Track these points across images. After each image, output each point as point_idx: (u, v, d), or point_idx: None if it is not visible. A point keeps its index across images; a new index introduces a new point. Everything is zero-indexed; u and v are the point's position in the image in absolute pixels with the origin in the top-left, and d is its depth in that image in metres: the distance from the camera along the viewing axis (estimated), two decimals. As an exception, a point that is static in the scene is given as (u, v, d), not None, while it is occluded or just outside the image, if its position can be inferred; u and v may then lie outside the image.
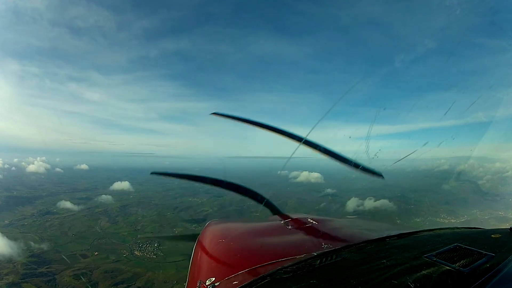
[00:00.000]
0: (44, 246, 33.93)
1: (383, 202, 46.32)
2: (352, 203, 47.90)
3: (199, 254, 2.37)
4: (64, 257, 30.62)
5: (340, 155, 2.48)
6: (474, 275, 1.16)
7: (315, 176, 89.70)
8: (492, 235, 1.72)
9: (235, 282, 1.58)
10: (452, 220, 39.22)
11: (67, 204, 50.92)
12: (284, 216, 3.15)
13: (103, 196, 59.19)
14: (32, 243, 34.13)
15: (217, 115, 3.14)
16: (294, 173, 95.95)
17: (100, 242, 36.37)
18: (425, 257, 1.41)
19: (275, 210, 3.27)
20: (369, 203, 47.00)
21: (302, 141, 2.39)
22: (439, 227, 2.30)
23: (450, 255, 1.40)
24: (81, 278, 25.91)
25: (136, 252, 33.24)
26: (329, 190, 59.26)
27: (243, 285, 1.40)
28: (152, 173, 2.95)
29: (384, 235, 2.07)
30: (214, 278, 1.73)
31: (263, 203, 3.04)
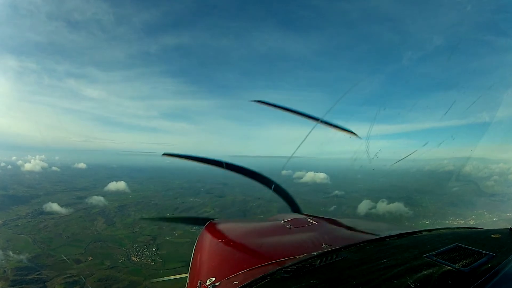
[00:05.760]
0: (37, 249, 32.86)
1: (397, 206, 44.71)
2: (364, 206, 46.32)
3: (199, 253, 2.29)
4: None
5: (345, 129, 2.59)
6: (474, 275, 1.17)
7: (321, 176, 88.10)
8: (492, 235, 1.73)
9: (235, 282, 1.56)
10: (461, 222, 38.23)
11: (57, 207, 49.20)
12: (292, 206, 3.39)
13: (101, 196, 57.64)
14: (23, 246, 32.94)
15: (259, 102, 3.12)
16: (299, 173, 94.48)
17: (95, 246, 35.08)
18: (425, 257, 1.41)
19: (285, 196, 3.49)
20: (382, 206, 45.35)
21: (319, 121, 2.50)
22: (439, 227, 2.25)
23: (450, 255, 1.40)
24: (72, 287, 24.30)
25: (133, 258, 32.02)
26: (337, 192, 57.70)
27: (243, 285, 1.39)
28: (163, 154, 3.13)
29: (384, 235, 2.05)
30: (214, 278, 1.71)
31: (272, 188, 3.27)
